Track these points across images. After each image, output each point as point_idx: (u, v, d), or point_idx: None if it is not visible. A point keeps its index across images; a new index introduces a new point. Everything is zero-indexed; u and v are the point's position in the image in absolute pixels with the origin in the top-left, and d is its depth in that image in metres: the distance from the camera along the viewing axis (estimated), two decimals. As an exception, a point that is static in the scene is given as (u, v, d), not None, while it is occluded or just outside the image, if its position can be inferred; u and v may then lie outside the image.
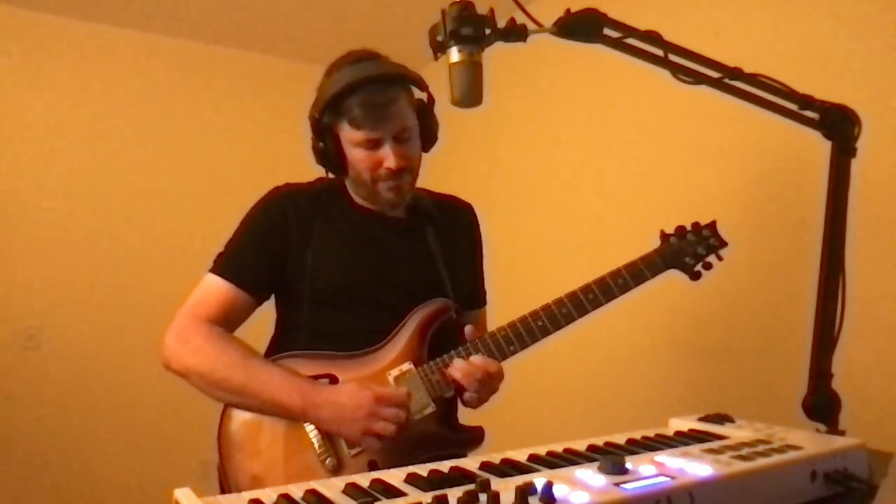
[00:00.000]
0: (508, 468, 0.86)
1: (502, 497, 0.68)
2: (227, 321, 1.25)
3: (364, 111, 1.20)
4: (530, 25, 1.02)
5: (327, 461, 1.17)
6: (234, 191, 3.43)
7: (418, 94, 1.31)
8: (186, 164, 3.40)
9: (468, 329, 1.24)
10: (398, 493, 0.76)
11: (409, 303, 1.28)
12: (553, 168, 2.77)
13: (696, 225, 1.31)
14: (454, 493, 0.71)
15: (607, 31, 1.04)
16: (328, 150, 1.27)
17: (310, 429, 1.19)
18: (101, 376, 3.11)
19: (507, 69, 2.76)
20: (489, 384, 1.23)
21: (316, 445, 1.18)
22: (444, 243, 1.38)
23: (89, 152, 3.17)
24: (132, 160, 3.26)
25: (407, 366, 1.22)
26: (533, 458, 0.92)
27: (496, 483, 0.76)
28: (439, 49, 1.02)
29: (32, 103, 3.06)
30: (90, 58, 3.19)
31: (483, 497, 0.70)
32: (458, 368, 1.20)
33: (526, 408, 2.57)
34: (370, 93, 1.20)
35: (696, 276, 1.29)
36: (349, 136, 1.25)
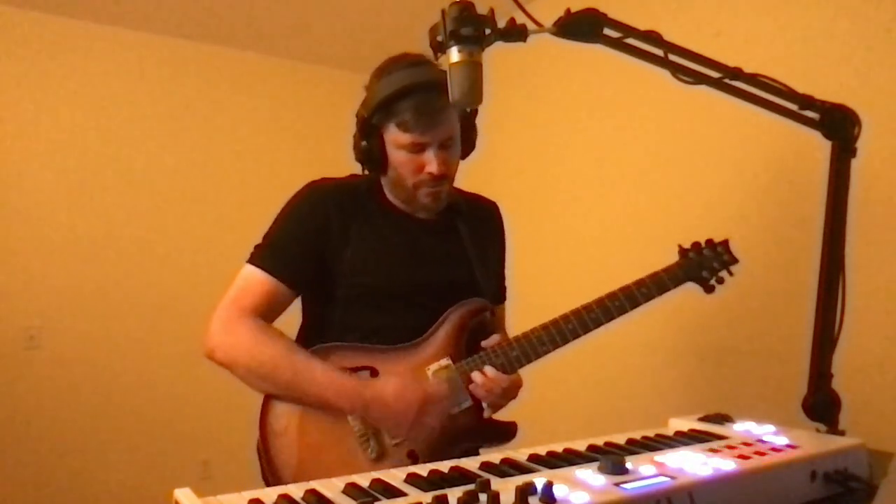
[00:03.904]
0: (508, 468, 0.86)
1: (502, 497, 0.68)
2: (269, 314, 1.26)
3: (415, 116, 1.22)
4: (530, 25, 1.02)
5: (369, 450, 1.19)
6: (236, 192, 3.44)
7: None
8: (187, 165, 3.40)
9: (486, 341, 1.29)
10: (398, 493, 0.76)
11: (441, 303, 1.31)
12: (552, 168, 2.77)
13: (710, 241, 1.39)
14: (454, 493, 0.71)
15: (607, 31, 1.04)
16: (372, 149, 1.30)
17: (351, 419, 1.21)
18: (102, 376, 3.11)
19: (507, 69, 2.76)
20: (506, 395, 1.29)
21: (357, 434, 1.20)
22: (475, 242, 1.41)
23: (90, 152, 3.17)
24: (132, 160, 3.26)
25: (445, 361, 1.26)
26: (533, 458, 0.92)
27: (496, 483, 0.76)
28: (439, 49, 1.02)
29: (33, 103, 3.06)
30: (90, 58, 3.19)
31: (483, 497, 0.70)
32: (480, 386, 1.25)
33: (526, 408, 2.56)
34: (423, 98, 1.22)
35: (710, 289, 1.37)
36: (395, 138, 1.27)
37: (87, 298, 3.10)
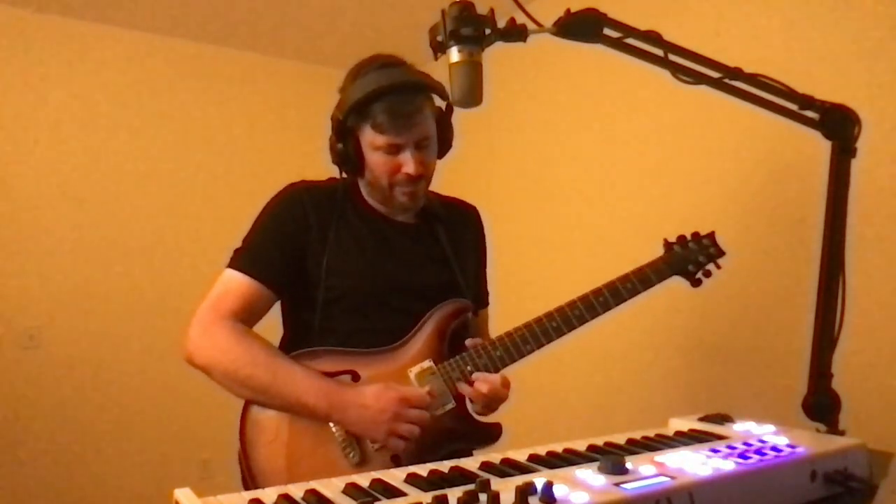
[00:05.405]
0: (508, 468, 0.86)
1: (502, 497, 0.68)
2: (249, 317, 1.25)
3: (389, 118, 1.22)
4: (530, 25, 1.02)
5: (351, 455, 1.18)
6: (235, 191, 3.44)
7: (438, 101, 1.33)
8: (187, 165, 3.40)
9: (469, 341, 1.28)
10: (398, 493, 0.76)
11: (421, 305, 1.30)
12: (552, 168, 2.77)
13: (696, 234, 1.38)
14: (454, 493, 0.71)
15: (607, 31, 1.04)
16: (347, 151, 1.29)
17: (333, 424, 1.20)
18: (101, 376, 3.10)
19: (507, 69, 2.76)
20: (499, 399, 1.29)
21: (339, 440, 1.19)
22: (454, 245, 1.40)
23: (90, 152, 3.17)
24: (132, 160, 3.26)
25: (428, 363, 1.25)
26: (533, 458, 0.92)
27: (496, 483, 0.76)
28: (439, 49, 1.02)
29: (33, 103, 3.05)
30: (90, 58, 3.18)
31: (483, 497, 0.70)
32: (485, 394, 1.24)
33: (526, 408, 2.57)
34: (396, 100, 1.22)
35: (697, 282, 1.36)
36: (371, 139, 1.26)
37: (86, 298, 3.10)
